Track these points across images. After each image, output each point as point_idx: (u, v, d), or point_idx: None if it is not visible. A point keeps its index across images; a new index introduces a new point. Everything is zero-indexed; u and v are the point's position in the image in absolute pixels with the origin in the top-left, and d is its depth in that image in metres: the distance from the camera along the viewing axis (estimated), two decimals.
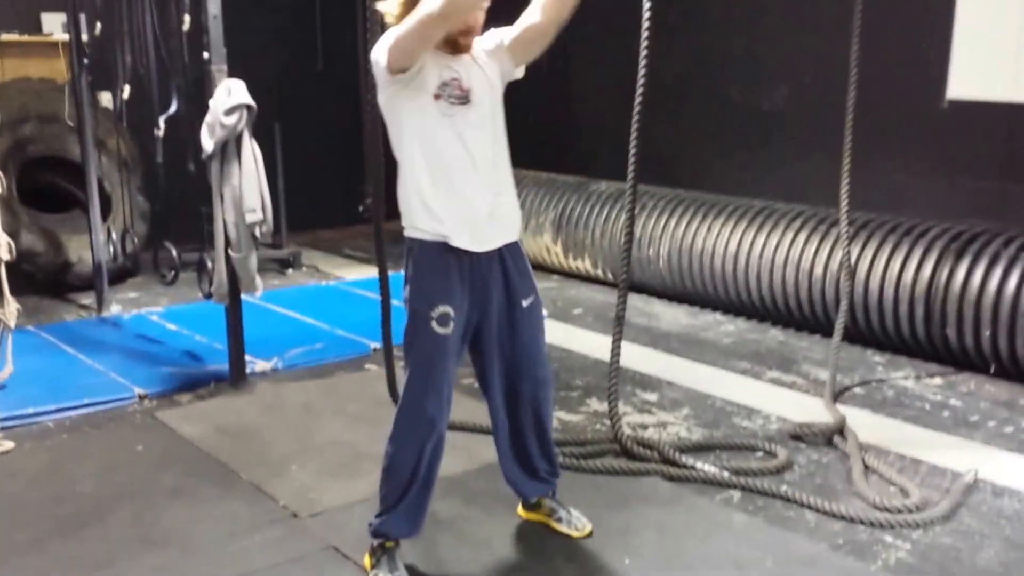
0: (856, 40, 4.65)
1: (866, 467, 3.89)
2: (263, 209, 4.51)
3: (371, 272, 7.38)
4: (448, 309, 2.95)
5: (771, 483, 3.73)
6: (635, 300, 6.38)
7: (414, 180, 2.94)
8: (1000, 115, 5.36)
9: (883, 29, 5.43)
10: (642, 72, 3.76)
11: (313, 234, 8.46)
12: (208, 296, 5.44)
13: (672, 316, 6.19)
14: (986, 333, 4.84)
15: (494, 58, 3.04)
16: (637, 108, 3.83)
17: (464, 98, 2.91)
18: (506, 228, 3.08)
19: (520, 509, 3.49)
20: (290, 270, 7.38)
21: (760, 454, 4.06)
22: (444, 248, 2.95)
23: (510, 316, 3.11)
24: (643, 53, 3.72)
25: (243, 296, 4.79)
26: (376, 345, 5.48)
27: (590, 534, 3.38)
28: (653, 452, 3.98)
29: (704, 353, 5.43)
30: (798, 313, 5.70)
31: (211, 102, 4.45)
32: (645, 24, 3.66)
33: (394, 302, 6.29)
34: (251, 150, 4.48)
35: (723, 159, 6.77)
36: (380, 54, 2.83)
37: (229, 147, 4.44)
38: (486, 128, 2.98)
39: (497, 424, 3.26)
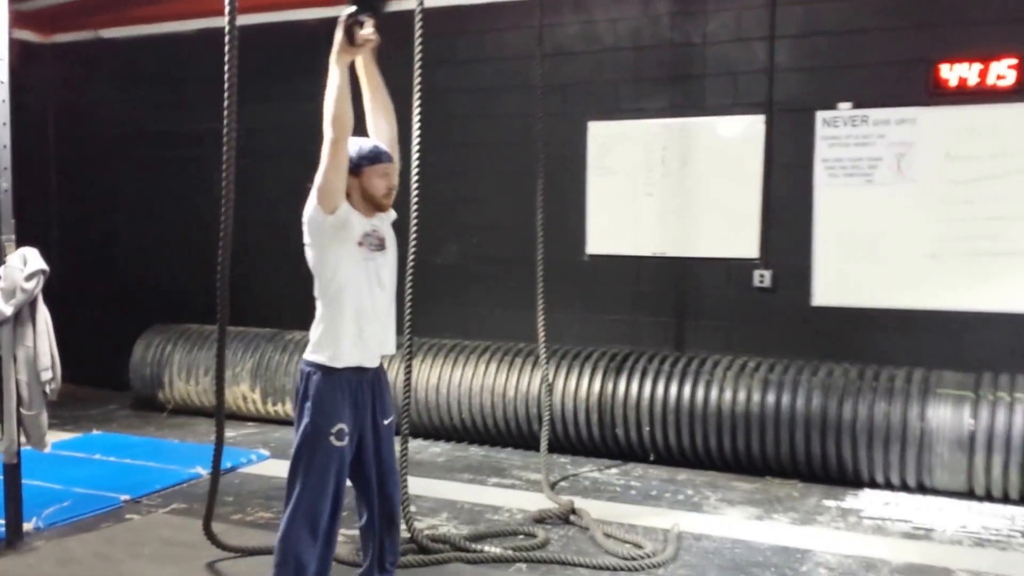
0: (540, 210, 6.10)
1: (604, 533, 5.07)
2: (53, 367, 4.75)
3: (65, 435, 7.38)
4: (343, 426, 3.66)
5: (545, 554, 4.75)
6: None
7: (333, 315, 3.65)
8: (626, 265, 7.11)
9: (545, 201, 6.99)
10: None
11: None
12: None
13: None
14: (646, 429, 6.36)
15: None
16: (409, 278, 4.85)
17: (380, 245, 3.73)
18: (385, 347, 3.82)
19: None
20: None
21: (522, 536, 5.07)
22: (337, 371, 3.65)
23: (376, 433, 3.86)
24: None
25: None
26: (127, 497, 5.69)
27: None
28: (446, 545, 4.83)
29: (429, 471, 6.36)
30: (495, 431, 6.87)
31: (2, 270, 4.65)
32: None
33: (85, 455, 6.50)
34: (43, 312, 4.73)
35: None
36: (311, 206, 3.57)
37: (23, 310, 4.65)
38: (393, 267, 3.82)
39: (369, 520, 3.93)
